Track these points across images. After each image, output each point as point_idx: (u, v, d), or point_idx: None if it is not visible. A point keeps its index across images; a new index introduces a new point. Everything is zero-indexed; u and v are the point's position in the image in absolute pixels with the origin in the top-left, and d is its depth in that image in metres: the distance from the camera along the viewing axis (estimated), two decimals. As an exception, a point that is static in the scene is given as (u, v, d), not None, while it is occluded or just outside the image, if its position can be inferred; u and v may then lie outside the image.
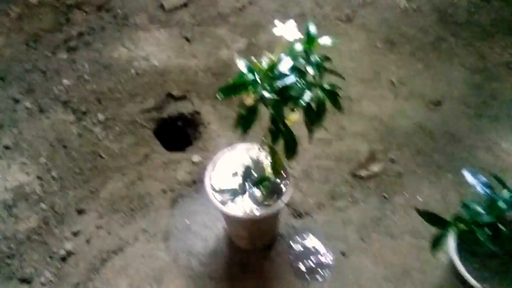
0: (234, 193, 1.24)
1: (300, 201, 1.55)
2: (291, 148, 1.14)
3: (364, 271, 1.38)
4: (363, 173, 1.62)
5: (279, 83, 0.98)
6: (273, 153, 1.18)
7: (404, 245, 1.44)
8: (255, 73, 0.99)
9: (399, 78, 1.93)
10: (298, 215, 1.52)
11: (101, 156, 1.68)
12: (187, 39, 2.09)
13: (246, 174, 1.24)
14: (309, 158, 1.67)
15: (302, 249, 1.43)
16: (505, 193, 1.09)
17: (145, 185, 1.60)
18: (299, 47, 1.02)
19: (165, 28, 2.13)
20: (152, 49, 2.04)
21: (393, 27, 2.12)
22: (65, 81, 1.91)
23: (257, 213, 1.22)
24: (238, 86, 0.99)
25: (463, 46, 2.03)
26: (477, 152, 1.66)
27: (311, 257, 1.41)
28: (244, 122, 1.06)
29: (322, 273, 1.38)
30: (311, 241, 1.45)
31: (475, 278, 1.08)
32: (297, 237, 1.46)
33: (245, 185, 1.25)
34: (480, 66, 1.95)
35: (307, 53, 1.02)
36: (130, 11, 2.19)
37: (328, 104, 1.05)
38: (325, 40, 1.03)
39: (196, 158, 1.66)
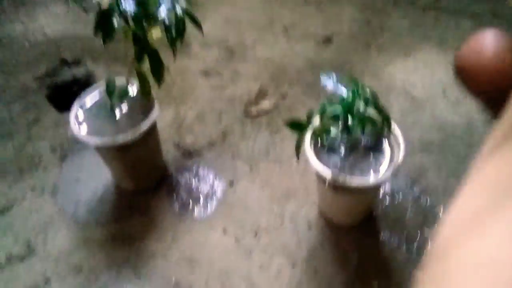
0: (100, 110, 1.23)
1: (192, 143, 1.56)
2: (157, 69, 1.18)
3: (251, 195, 1.40)
4: (254, 110, 1.64)
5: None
6: (140, 77, 1.20)
7: (291, 170, 1.46)
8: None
9: (292, 23, 1.97)
10: (189, 155, 1.53)
11: (-11, 125, 1.64)
12: (85, 10, 2.07)
13: (109, 87, 1.24)
14: (203, 103, 1.68)
15: (190, 184, 1.44)
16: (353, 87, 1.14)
17: (35, 146, 1.57)
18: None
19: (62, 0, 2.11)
20: (49, 21, 2.01)
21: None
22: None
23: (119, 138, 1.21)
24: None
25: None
26: (364, 77, 1.70)
27: (199, 190, 1.42)
28: (102, 27, 1.10)
29: (209, 202, 1.39)
30: (200, 176, 1.46)
31: (333, 171, 1.11)
32: (186, 173, 1.47)
33: (110, 102, 1.25)
34: (368, 2, 2.01)
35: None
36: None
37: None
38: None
39: (87, 115, 1.64)
